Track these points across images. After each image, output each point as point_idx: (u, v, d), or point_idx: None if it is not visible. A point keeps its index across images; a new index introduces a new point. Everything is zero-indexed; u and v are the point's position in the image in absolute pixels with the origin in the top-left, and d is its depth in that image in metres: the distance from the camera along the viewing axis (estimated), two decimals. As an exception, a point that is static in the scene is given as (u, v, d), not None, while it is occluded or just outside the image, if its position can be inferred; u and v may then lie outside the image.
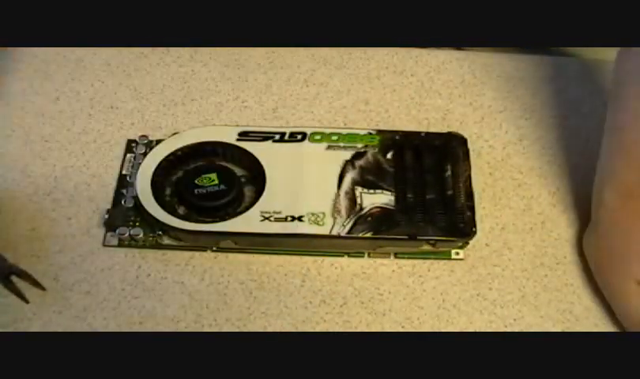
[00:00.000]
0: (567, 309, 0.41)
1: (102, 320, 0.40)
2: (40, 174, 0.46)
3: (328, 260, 0.43)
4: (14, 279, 0.39)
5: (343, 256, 0.43)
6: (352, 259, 0.43)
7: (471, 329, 0.40)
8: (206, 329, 0.40)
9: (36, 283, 0.40)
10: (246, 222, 0.41)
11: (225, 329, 0.40)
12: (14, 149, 0.47)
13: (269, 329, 0.40)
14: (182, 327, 0.40)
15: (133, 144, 0.47)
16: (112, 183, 0.45)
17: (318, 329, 0.40)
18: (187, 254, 0.43)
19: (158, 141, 0.45)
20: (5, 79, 0.50)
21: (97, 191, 0.45)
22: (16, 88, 0.50)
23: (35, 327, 0.40)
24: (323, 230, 0.40)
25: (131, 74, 0.51)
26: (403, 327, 0.40)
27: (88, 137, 0.48)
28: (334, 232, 0.40)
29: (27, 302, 0.39)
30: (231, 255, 0.43)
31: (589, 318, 0.41)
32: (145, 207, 0.41)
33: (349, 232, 0.40)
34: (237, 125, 0.45)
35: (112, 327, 0.40)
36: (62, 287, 0.41)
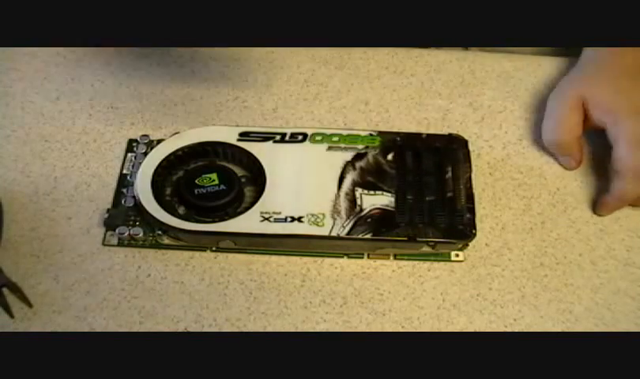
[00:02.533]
0: (567, 309, 0.41)
1: (102, 320, 0.40)
2: (40, 174, 0.46)
3: (328, 260, 0.43)
4: (5, 291, 0.39)
5: (342, 257, 0.43)
6: (352, 259, 0.43)
7: (471, 329, 0.40)
8: (206, 329, 0.40)
9: (25, 299, 0.39)
10: (246, 222, 0.41)
11: (225, 329, 0.40)
12: (14, 149, 0.47)
13: (269, 329, 0.40)
14: (182, 327, 0.40)
15: (134, 144, 0.47)
16: (112, 183, 0.45)
17: (318, 329, 0.40)
18: (187, 254, 0.43)
19: (159, 141, 0.45)
20: (5, 79, 0.51)
21: (97, 191, 0.45)
22: (16, 88, 0.50)
23: (35, 327, 0.40)
24: (323, 231, 0.40)
25: (131, 74, 0.51)
26: (403, 327, 0.40)
27: (88, 137, 0.48)
28: (334, 233, 0.40)
29: (12, 316, 0.39)
30: (230, 255, 0.43)
31: (589, 318, 0.41)
32: (145, 207, 0.41)
33: (349, 233, 0.40)
34: (238, 126, 0.45)
35: (112, 327, 0.40)
36: (62, 287, 0.41)
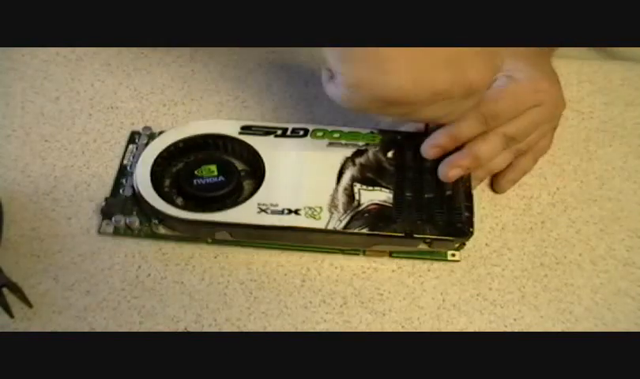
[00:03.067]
0: (567, 309, 0.41)
1: (102, 320, 0.40)
2: (40, 174, 0.46)
3: (328, 260, 0.43)
4: (5, 291, 0.39)
5: (337, 253, 0.43)
6: (352, 258, 0.43)
7: (471, 329, 0.40)
8: (206, 329, 0.40)
9: (25, 299, 0.40)
10: (243, 213, 0.40)
11: (225, 329, 0.40)
12: (14, 149, 0.47)
13: (269, 329, 0.40)
14: (182, 327, 0.40)
15: (137, 136, 0.47)
16: (112, 183, 0.45)
17: (318, 329, 0.40)
18: (187, 254, 0.43)
19: (161, 133, 0.45)
20: (5, 79, 0.51)
21: (97, 191, 0.45)
22: (16, 88, 0.50)
23: (35, 327, 0.40)
24: (319, 224, 0.40)
25: (131, 74, 0.51)
26: (403, 327, 0.40)
27: (88, 137, 0.48)
28: (330, 227, 0.40)
29: (12, 316, 0.39)
30: (230, 255, 0.43)
31: (589, 318, 0.41)
32: (143, 194, 0.41)
33: (345, 227, 0.40)
34: (240, 120, 0.45)
35: (112, 327, 0.40)
36: (62, 287, 0.41)
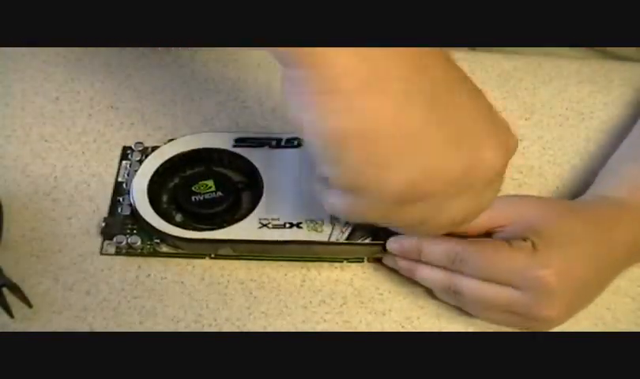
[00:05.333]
0: (567, 309, 0.41)
1: (102, 320, 0.40)
2: (40, 174, 0.46)
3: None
4: (5, 291, 0.39)
5: (342, 261, 0.42)
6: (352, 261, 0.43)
7: (471, 329, 0.40)
8: (206, 329, 0.40)
9: (25, 299, 0.39)
10: (244, 229, 0.40)
11: (225, 329, 0.40)
12: (14, 149, 0.47)
13: (269, 329, 0.40)
14: (182, 327, 0.40)
15: (129, 151, 0.46)
16: (112, 183, 0.45)
17: (318, 329, 0.40)
18: (187, 259, 0.43)
19: (153, 148, 0.45)
20: (5, 79, 0.50)
21: (97, 191, 0.45)
22: (16, 88, 0.50)
23: (35, 327, 0.40)
24: (322, 237, 0.40)
25: (131, 74, 0.51)
26: (403, 327, 0.40)
27: (88, 137, 0.48)
28: (333, 239, 0.40)
29: (12, 316, 0.39)
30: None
31: (589, 318, 0.41)
32: (142, 215, 0.41)
33: (348, 238, 0.40)
34: (233, 132, 0.45)
35: (112, 327, 0.40)
36: (62, 286, 0.41)
